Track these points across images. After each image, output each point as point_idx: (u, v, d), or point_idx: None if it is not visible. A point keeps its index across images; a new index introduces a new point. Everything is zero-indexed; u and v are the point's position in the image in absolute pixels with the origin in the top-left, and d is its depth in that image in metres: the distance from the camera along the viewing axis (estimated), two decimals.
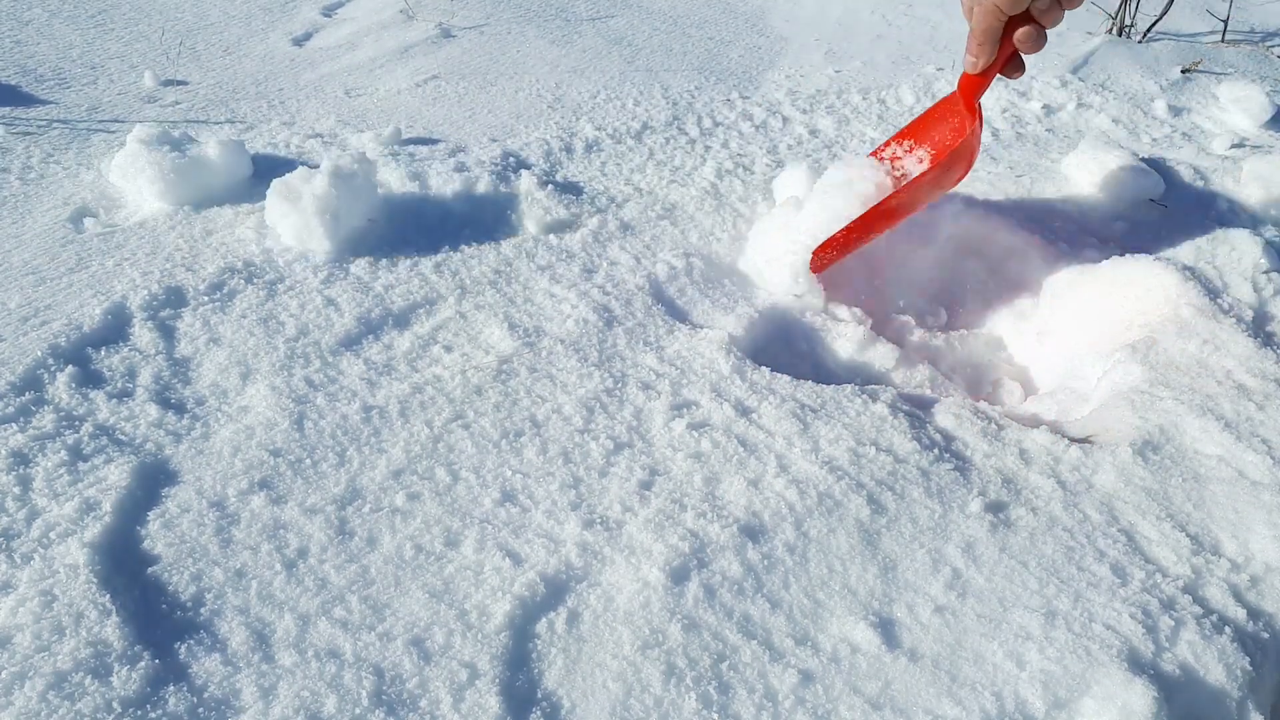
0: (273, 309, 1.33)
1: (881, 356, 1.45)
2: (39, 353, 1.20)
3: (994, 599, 1.00)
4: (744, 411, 1.23)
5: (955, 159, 1.45)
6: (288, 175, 1.47)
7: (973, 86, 1.43)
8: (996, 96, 2.29)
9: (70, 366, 1.19)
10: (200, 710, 0.84)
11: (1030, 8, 1.29)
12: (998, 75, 1.42)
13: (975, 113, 1.44)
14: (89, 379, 1.18)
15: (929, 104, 2.27)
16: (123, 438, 1.11)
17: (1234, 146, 2.09)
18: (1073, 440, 1.24)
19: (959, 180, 1.51)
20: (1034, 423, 1.39)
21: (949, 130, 1.53)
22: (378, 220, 1.53)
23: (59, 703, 0.82)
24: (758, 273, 1.55)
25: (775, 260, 1.52)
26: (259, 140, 1.82)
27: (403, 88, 2.14)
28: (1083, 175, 1.85)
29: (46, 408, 1.13)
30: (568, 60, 2.36)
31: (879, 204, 1.47)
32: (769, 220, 1.60)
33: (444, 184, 1.64)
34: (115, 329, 1.27)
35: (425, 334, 1.32)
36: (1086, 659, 0.93)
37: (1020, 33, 1.32)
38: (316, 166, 1.50)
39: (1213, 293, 1.52)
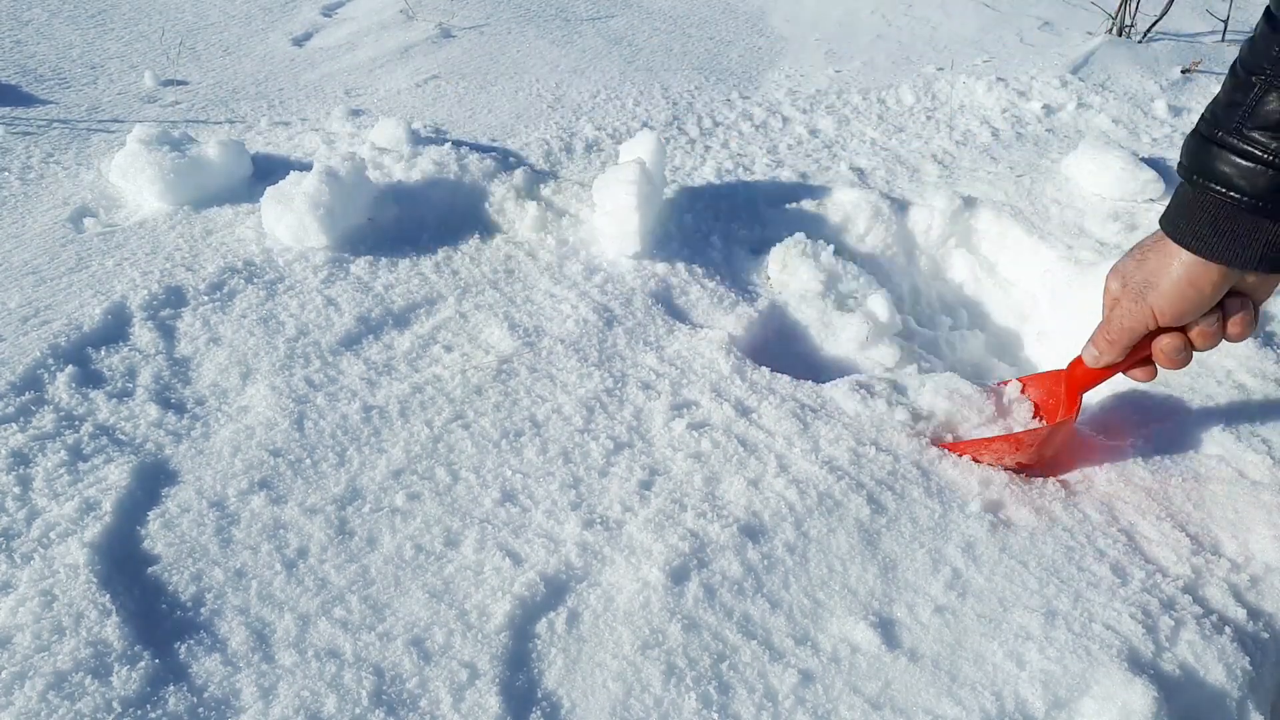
0: (273, 309, 1.33)
1: (882, 356, 1.45)
2: (39, 353, 1.20)
3: (994, 599, 1.00)
4: (744, 411, 1.23)
5: (1029, 444, 1.17)
6: (280, 182, 1.48)
7: (1083, 380, 1.15)
8: (997, 97, 2.29)
9: (70, 366, 1.19)
10: (200, 710, 0.84)
11: (1190, 326, 1.02)
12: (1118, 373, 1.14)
13: (1074, 406, 1.16)
14: (89, 379, 1.18)
15: (929, 104, 2.27)
16: (123, 438, 1.11)
17: None
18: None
19: (1020, 464, 1.20)
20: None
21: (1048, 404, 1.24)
22: (377, 219, 1.53)
23: (59, 703, 0.82)
24: (602, 227, 1.54)
25: (609, 216, 1.51)
26: (259, 140, 1.82)
27: (403, 88, 2.14)
28: (1083, 175, 1.85)
29: (46, 408, 1.13)
30: (568, 60, 2.36)
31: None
32: (603, 178, 1.55)
33: (444, 184, 1.64)
34: (115, 329, 1.27)
35: (425, 334, 1.32)
36: (1086, 659, 0.93)
37: (1165, 343, 1.04)
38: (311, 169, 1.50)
39: None
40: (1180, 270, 0.97)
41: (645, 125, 2.04)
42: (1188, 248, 0.96)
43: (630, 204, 1.49)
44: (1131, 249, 1.05)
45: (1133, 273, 1.02)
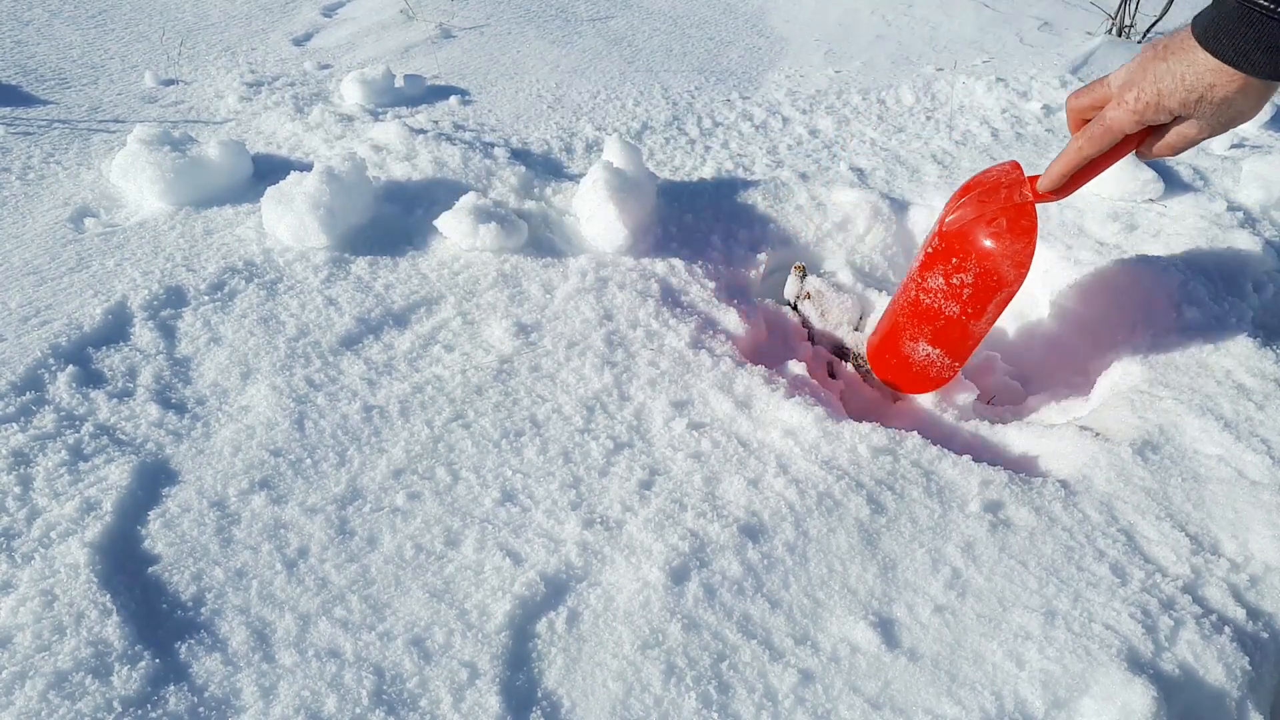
0: (273, 308, 1.33)
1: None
2: (39, 352, 1.20)
3: (993, 599, 1.00)
4: (744, 411, 1.23)
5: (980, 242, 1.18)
6: (280, 182, 1.48)
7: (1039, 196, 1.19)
8: (997, 97, 2.29)
9: (71, 366, 1.19)
10: (200, 710, 0.84)
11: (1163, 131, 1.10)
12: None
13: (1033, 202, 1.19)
14: (89, 379, 1.19)
15: (928, 104, 2.27)
16: (123, 437, 1.11)
17: (1234, 147, 2.10)
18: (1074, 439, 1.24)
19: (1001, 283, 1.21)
20: (1033, 422, 1.39)
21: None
22: (378, 219, 1.53)
23: (59, 702, 0.82)
24: (587, 233, 1.56)
25: (589, 219, 1.54)
26: (259, 140, 1.82)
27: (402, 86, 2.14)
28: None
29: (47, 407, 1.13)
30: (568, 60, 2.36)
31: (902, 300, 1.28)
32: (583, 182, 1.59)
33: (444, 183, 1.64)
34: (116, 329, 1.27)
35: (425, 333, 1.33)
36: (1086, 659, 0.93)
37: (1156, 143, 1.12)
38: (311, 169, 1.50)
39: (1213, 292, 1.52)
40: (1206, 76, 1.01)
41: (645, 125, 2.04)
42: (1230, 63, 0.99)
43: (603, 196, 1.51)
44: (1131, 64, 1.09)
45: (1139, 78, 1.06)
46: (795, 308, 1.58)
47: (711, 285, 1.50)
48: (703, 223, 1.66)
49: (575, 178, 1.75)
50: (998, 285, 1.21)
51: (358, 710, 0.85)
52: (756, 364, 1.32)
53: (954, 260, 1.23)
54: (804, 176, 1.84)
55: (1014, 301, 1.72)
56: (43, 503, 1.01)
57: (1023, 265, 1.18)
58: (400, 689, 0.87)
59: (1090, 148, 1.12)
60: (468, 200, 1.50)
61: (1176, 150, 1.11)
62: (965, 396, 1.42)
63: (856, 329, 1.55)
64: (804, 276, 1.59)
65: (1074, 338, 1.57)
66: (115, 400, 1.16)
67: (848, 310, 1.55)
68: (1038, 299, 1.68)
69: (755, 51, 2.58)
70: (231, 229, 1.50)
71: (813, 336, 1.55)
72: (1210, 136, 1.10)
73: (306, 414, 1.17)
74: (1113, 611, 0.98)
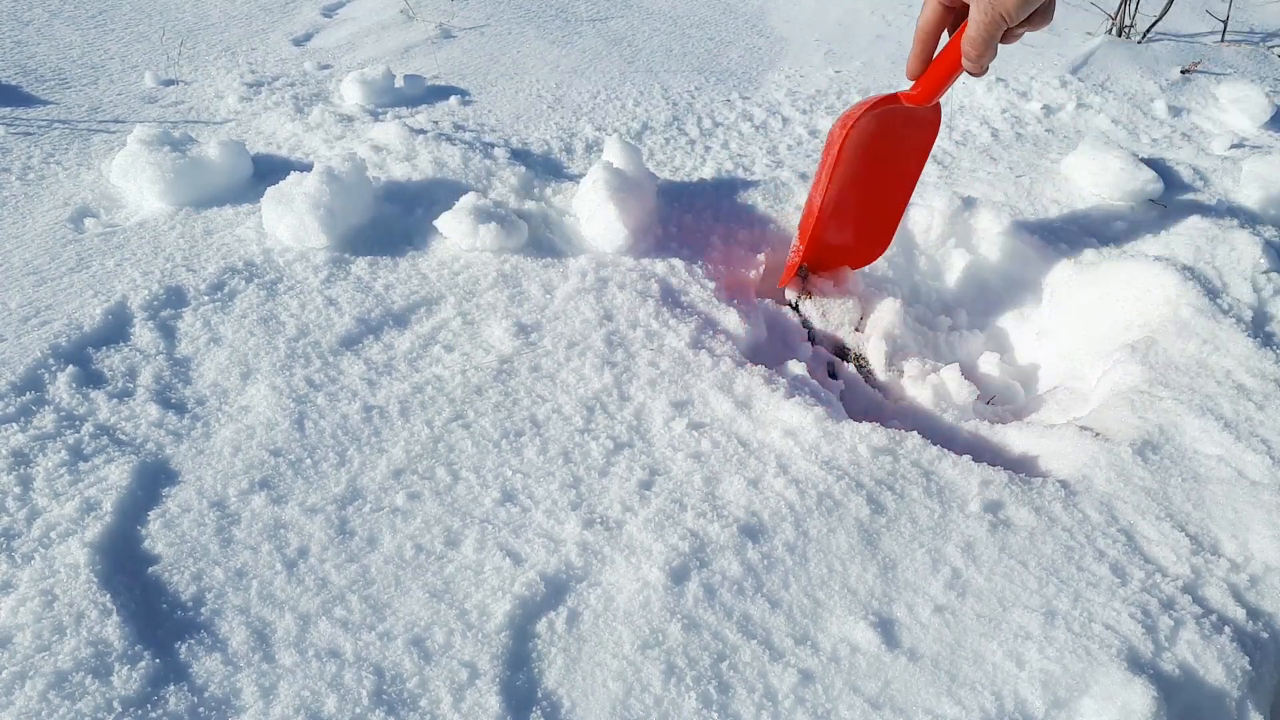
0: (273, 309, 1.33)
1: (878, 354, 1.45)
2: (39, 353, 1.20)
3: (993, 599, 1.00)
4: (744, 411, 1.23)
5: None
6: (280, 182, 1.48)
7: (936, 84, 1.34)
8: (997, 97, 2.29)
9: (71, 366, 1.19)
10: (201, 710, 0.84)
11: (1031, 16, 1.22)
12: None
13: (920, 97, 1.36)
14: (89, 379, 1.19)
15: None
16: (123, 438, 1.11)
17: (1233, 147, 2.10)
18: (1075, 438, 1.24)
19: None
20: (1034, 422, 1.39)
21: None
22: (378, 219, 1.53)
23: (59, 702, 0.82)
24: (587, 233, 1.57)
25: (589, 220, 1.56)
26: (259, 140, 1.82)
27: (402, 86, 2.13)
28: (1083, 175, 1.86)
29: (47, 408, 1.13)
30: (568, 61, 2.36)
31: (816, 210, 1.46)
32: (583, 182, 1.60)
33: (444, 183, 1.64)
34: (116, 329, 1.27)
35: (425, 333, 1.33)
36: (1086, 659, 0.93)
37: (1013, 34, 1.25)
38: (311, 169, 1.50)
39: (1212, 293, 1.52)
40: None
41: (645, 126, 2.04)
42: None
43: (603, 196, 1.52)
44: None
45: None
46: (796, 307, 1.58)
47: (711, 285, 1.50)
48: (703, 223, 1.66)
49: (575, 178, 1.75)
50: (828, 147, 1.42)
51: (358, 710, 0.85)
52: (756, 364, 1.32)
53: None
54: (804, 176, 1.84)
55: (1014, 301, 1.73)
56: (43, 503, 1.01)
57: (845, 120, 1.38)
58: (400, 689, 0.87)
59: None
60: (468, 200, 1.50)
61: (980, 43, 1.22)
62: (965, 396, 1.42)
63: (858, 329, 1.55)
64: (805, 276, 1.59)
65: (1074, 338, 1.57)
66: (115, 400, 1.16)
67: (849, 311, 1.55)
68: (1038, 299, 1.68)
69: (755, 51, 2.58)
70: (231, 229, 1.50)
71: (814, 337, 1.55)
72: (1001, 28, 1.20)
73: (306, 414, 1.17)
74: (1113, 611, 0.98)
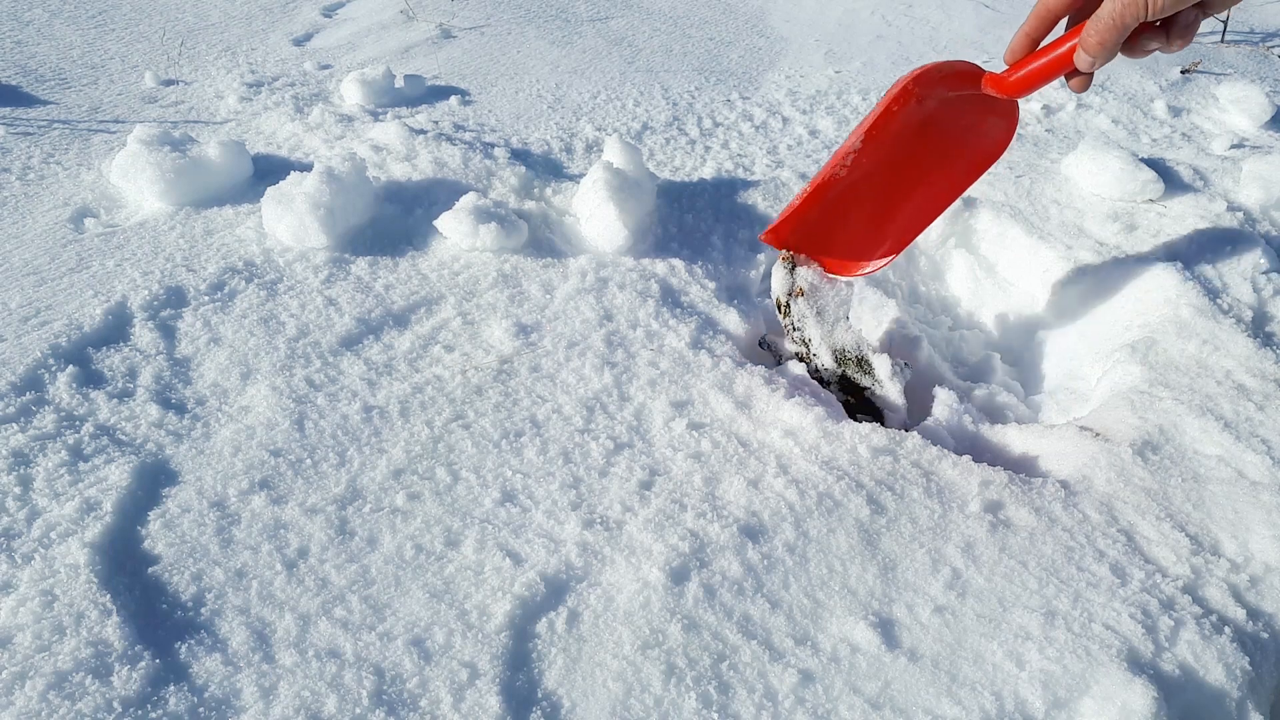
0: (273, 309, 1.33)
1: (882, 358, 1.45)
2: (39, 353, 1.20)
3: (994, 599, 1.00)
4: (744, 411, 1.23)
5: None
6: (280, 182, 1.48)
7: (1014, 86, 1.14)
8: None
9: (71, 366, 1.19)
10: (200, 710, 0.84)
11: (1172, 24, 1.05)
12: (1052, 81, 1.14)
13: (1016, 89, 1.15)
14: (89, 379, 1.19)
15: None
16: (123, 438, 1.11)
17: (1233, 147, 2.10)
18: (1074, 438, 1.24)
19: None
20: (1033, 422, 1.39)
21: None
22: (378, 219, 1.53)
23: (59, 702, 0.82)
24: (587, 233, 1.57)
25: (589, 220, 1.55)
26: (259, 140, 1.82)
27: (402, 86, 2.14)
28: (1083, 175, 1.86)
29: (47, 408, 1.13)
30: (568, 61, 2.36)
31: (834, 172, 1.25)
32: (583, 182, 1.60)
33: (444, 183, 1.64)
34: (116, 329, 1.27)
35: (425, 334, 1.33)
36: (1086, 659, 0.93)
37: (1151, 36, 1.07)
38: (311, 169, 1.50)
39: (1212, 293, 1.52)
40: None
41: (646, 126, 2.04)
42: None
43: (603, 196, 1.51)
44: None
45: None
46: (788, 308, 1.41)
47: (711, 285, 1.50)
48: (703, 223, 1.66)
49: (575, 178, 1.75)
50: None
51: (358, 710, 0.85)
52: (756, 364, 1.32)
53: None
54: (804, 177, 1.84)
55: (1014, 302, 1.73)
56: (43, 503, 1.01)
57: (908, 81, 1.17)
58: (400, 689, 0.87)
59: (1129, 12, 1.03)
60: (468, 200, 1.50)
61: (1106, 29, 1.04)
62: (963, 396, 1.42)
63: (846, 319, 1.39)
64: (794, 269, 1.41)
65: (1074, 338, 1.57)
66: (115, 400, 1.16)
67: (844, 302, 1.39)
68: (1038, 299, 1.68)
69: (755, 52, 2.58)
70: (231, 229, 1.50)
71: (806, 356, 1.39)
72: (1138, 18, 1.02)
73: (306, 414, 1.17)
74: (1113, 612, 0.98)
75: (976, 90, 1.17)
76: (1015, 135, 1.32)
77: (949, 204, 1.33)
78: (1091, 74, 1.11)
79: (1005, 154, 1.34)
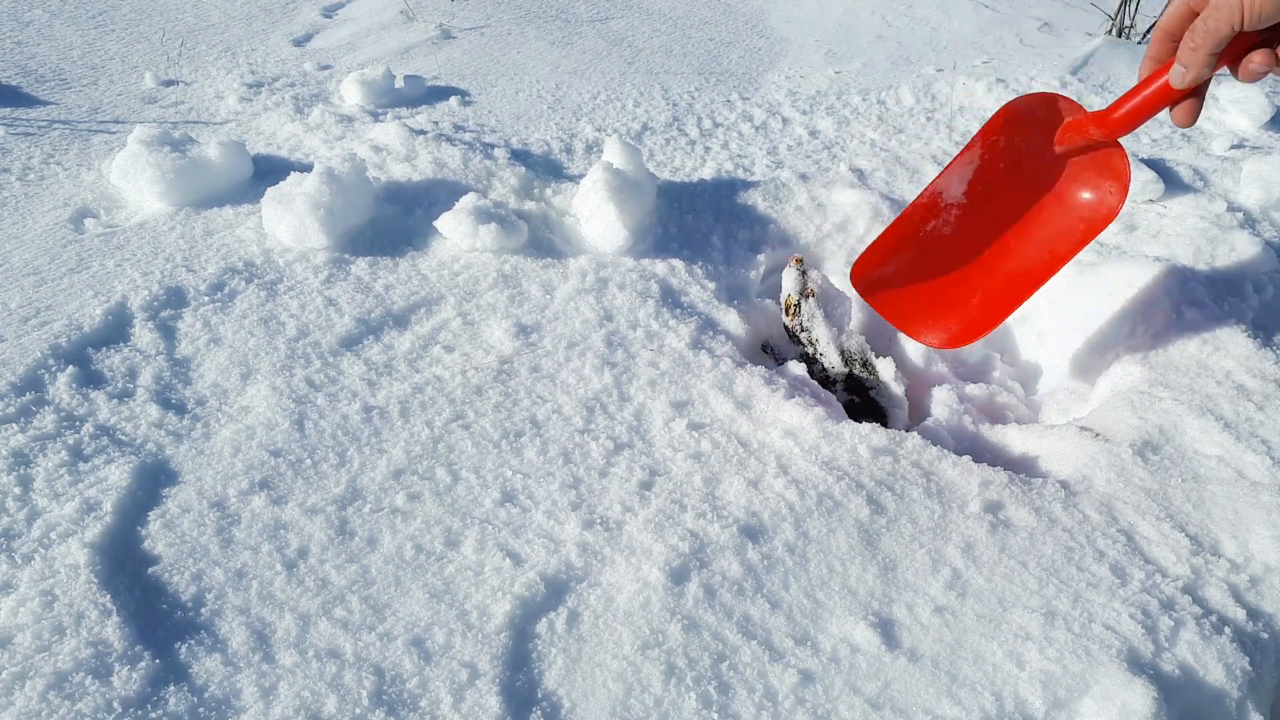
0: (273, 309, 1.33)
1: (885, 361, 1.45)
2: (39, 353, 1.20)
3: (994, 599, 1.00)
4: (744, 411, 1.23)
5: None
6: (280, 183, 1.48)
7: (1119, 124, 1.06)
8: (997, 98, 2.29)
9: (71, 367, 1.19)
10: (201, 710, 0.84)
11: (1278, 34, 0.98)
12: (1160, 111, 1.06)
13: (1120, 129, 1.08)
14: (89, 379, 1.19)
15: (929, 105, 2.27)
16: (123, 438, 1.11)
17: (1233, 147, 2.10)
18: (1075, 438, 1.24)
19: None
20: (1033, 422, 1.39)
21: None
22: (378, 220, 1.53)
23: (59, 703, 0.82)
24: (587, 234, 1.57)
25: (589, 220, 1.55)
26: (259, 140, 1.82)
27: (402, 87, 2.14)
28: None
29: (47, 408, 1.13)
30: (568, 61, 2.36)
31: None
32: (583, 183, 1.60)
33: (444, 184, 1.64)
34: (116, 329, 1.27)
35: (425, 334, 1.33)
36: (1086, 659, 0.93)
37: (1258, 54, 0.99)
38: (311, 170, 1.50)
39: (1212, 293, 1.52)
40: None
41: (645, 126, 2.04)
42: None
43: (603, 196, 1.52)
44: None
45: None
46: (798, 307, 1.46)
47: (711, 285, 1.49)
48: (703, 223, 1.66)
49: (575, 178, 1.75)
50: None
51: (358, 710, 0.85)
52: (756, 364, 1.32)
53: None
54: (804, 177, 1.84)
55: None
56: (43, 503, 1.01)
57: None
58: (400, 689, 0.87)
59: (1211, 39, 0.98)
60: (468, 201, 1.50)
61: (1205, 35, 0.98)
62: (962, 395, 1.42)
63: (843, 332, 1.45)
64: (805, 272, 1.48)
65: (1074, 338, 1.57)
66: (115, 401, 1.16)
67: (847, 312, 1.50)
68: (1038, 299, 1.68)
69: (755, 52, 2.58)
70: (231, 230, 1.50)
71: (810, 358, 1.43)
72: (1237, 24, 0.95)
73: (306, 414, 1.17)
74: (1113, 612, 0.98)
75: (1075, 123, 1.11)
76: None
77: (1060, 263, 1.19)
78: (1197, 103, 1.05)
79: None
